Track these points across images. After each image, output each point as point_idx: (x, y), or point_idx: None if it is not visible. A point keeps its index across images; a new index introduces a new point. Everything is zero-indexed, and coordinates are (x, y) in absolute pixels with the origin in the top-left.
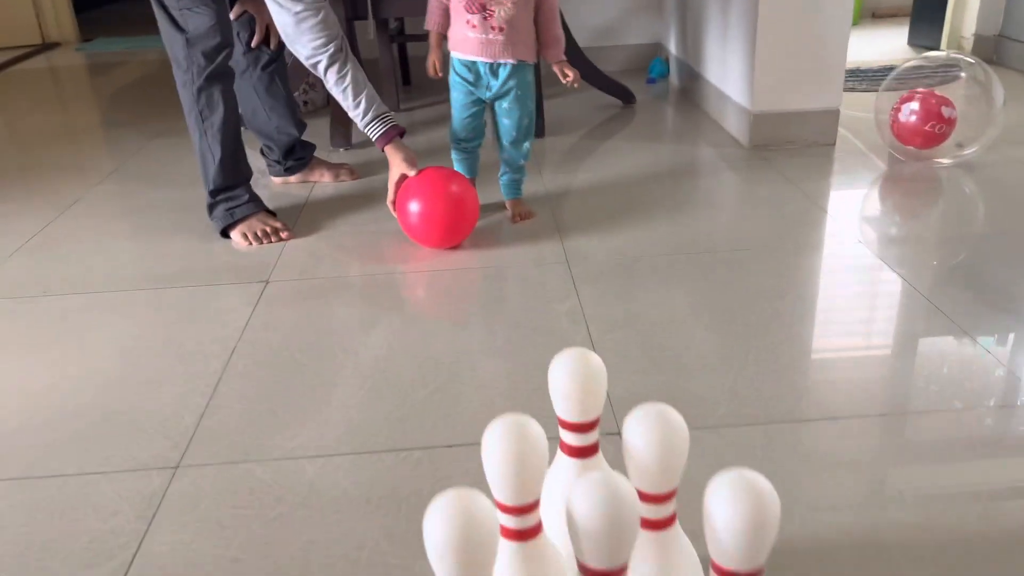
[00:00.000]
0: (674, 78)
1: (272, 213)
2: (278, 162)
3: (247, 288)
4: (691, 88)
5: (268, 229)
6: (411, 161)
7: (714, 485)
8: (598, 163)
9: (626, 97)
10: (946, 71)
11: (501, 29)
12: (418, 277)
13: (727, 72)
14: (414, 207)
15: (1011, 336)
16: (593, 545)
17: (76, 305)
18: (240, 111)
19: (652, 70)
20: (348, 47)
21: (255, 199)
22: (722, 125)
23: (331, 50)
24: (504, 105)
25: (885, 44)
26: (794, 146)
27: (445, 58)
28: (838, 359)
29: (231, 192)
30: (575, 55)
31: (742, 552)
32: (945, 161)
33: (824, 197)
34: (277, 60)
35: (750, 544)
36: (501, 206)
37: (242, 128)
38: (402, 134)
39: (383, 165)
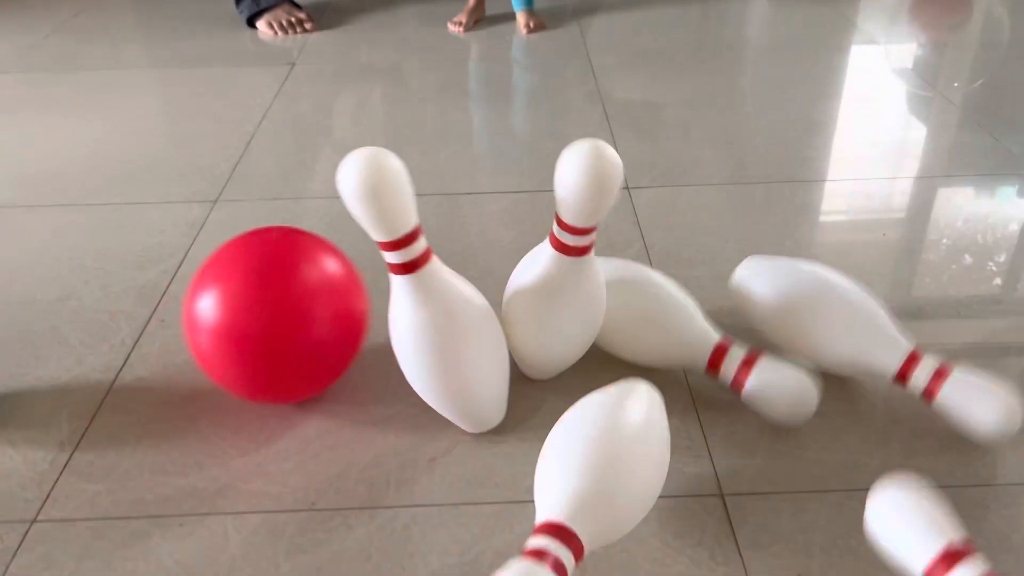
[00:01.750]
0: None
1: (297, 5)
2: None
3: (274, 69)
4: None
5: (293, 20)
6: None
7: (566, 152)
8: None
9: None
10: None
11: None
12: (437, 61)
13: None
14: (203, 326)
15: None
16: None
17: (112, 79)
18: None
19: None
20: None
21: None
22: None
23: None
24: None
25: None
26: None
27: None
28: (837, 132)
29: None
30: None
31: (583, 206)
32: None
33: (848, 20)
34: None
35: (591, 200)
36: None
37: None
38: None
39: None
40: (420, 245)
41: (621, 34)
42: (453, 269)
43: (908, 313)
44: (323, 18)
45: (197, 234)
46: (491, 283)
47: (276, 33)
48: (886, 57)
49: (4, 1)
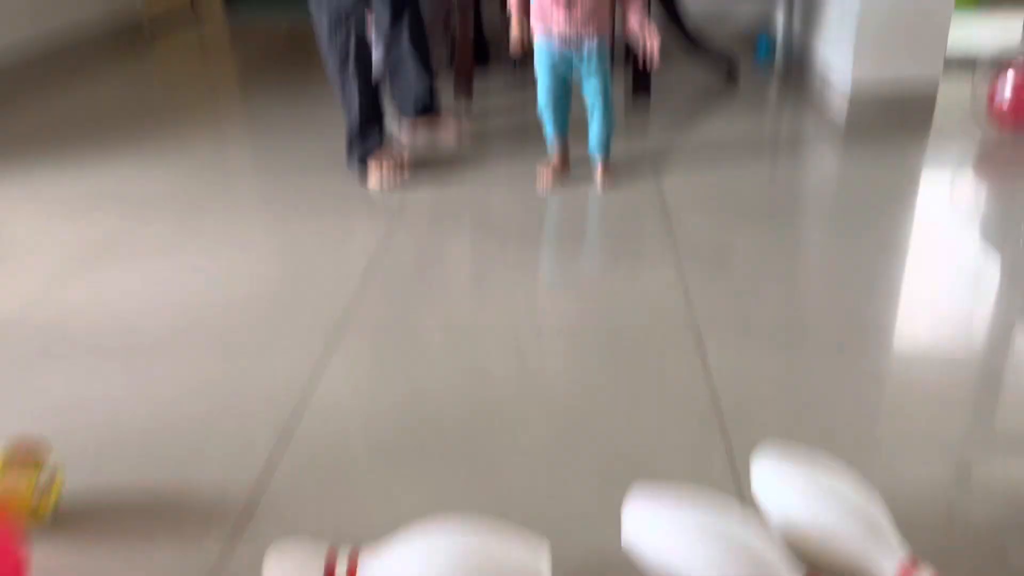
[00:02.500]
0: (780, 55)
1: (400, 153)
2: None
3: (376, 220)
4: (797, 64)
5: (395, 162)
6: None
7: None
8: (696, 134)
9: (731, 69)
10: None
11: (580, 11)
12: (525, 218)
13: (829, 42)
14: None
15: None
16: None
17: (234, 223)
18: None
19: (759, 49)
20: None
21: (385, 138)
22: (822, 99)
23: None
24: (586, 77)
25: (998, 33)
26: (890, 121)
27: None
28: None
29: (368, 129)
30: (675, 18)
31: None
32: None
33: (915, 175)
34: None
35: None
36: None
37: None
38: None
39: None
40: None
41: (697, 187)
42: None
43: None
44: (421, 169)
45: (321, 373)
46: None
47: (383, 175)
48: (952, 210)
49: (145, 140)
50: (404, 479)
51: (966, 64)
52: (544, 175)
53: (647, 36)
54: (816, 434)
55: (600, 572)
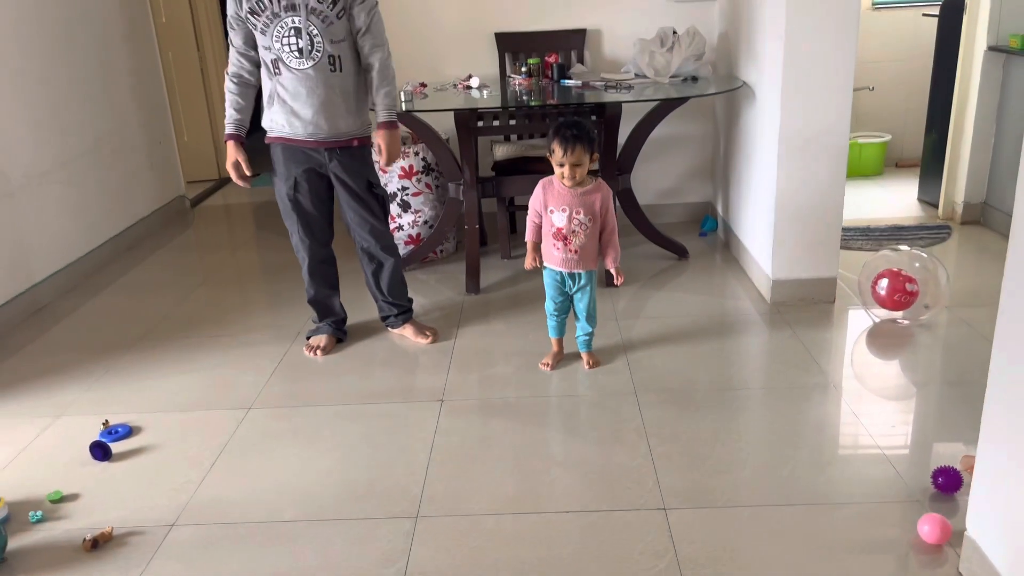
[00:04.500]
0: (721, 232)
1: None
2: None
3: (431, 404)
4: (732, 244)
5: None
6: (394, 148)
7: None
8: (656, 309)
9: (680, 252)
10: (934, 233)
11: (576, 251)
12: (539, 403)
13: (755, 239)
14: None
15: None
16: None
17: (325, 413)
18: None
19: (704, 224)
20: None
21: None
22: (751, 281)
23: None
24: (578, 296)
25: (899, 198)
26: (803, 303)
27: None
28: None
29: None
30: (639, 217)
31: None
32: (906, 321)
33: (817, 347)
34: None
35: None
36: (578, 356)
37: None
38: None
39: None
40: None
41: (660, 369)
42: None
43: None
44: (460, 358)
45: (410, 548)
46: None
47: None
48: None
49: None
50: None
51: (866, 234)
52: (546, 361)
53: (616, 273)
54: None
55: None
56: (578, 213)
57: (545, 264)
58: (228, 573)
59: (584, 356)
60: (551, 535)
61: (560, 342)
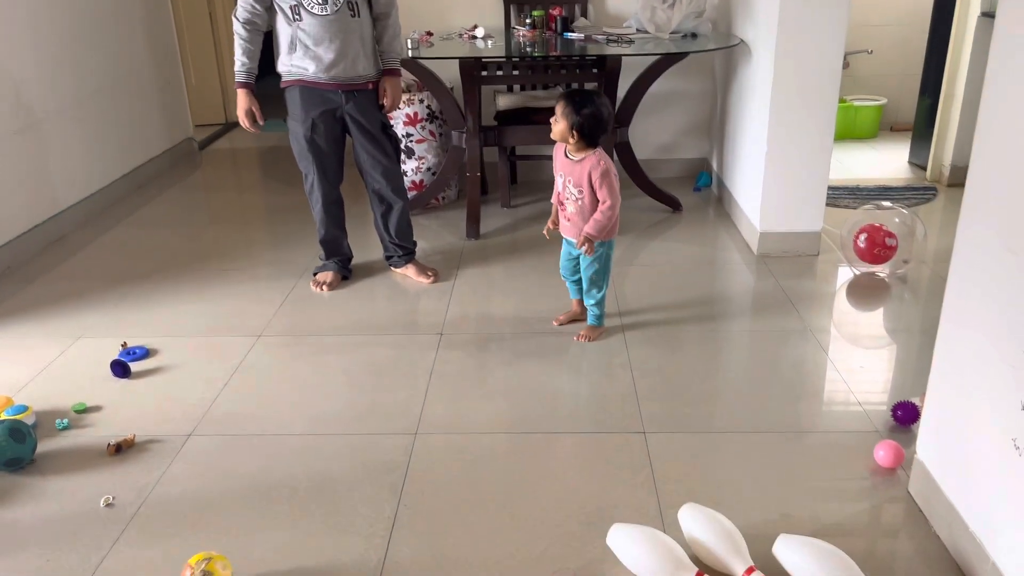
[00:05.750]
0: (715, 188)
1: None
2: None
3: (430, 336)
4: (724, 199)
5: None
6: (399, 95)
7: None
8: (648, 258)
9: (674, 205)
10: (920, 194)
11: (568, 219)
12: (533, 339)
13: (745, 193)
14: None
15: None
16: None
17: (331, 342)
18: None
19: (699, 180)
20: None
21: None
22: (740, 233)
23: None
24: (581, 262)
25: (890, 160)
26: (788, 255)
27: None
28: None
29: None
30: (636, 170)
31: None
32: (885, 274)
33: (798, 296)
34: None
35: None
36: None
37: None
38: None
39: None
40: None
41: (648, 311)
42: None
43: None
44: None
45: (409, 461)
46: None
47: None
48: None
49: (233, 274)
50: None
51: (855, 193)
52: (560, 316)
53: (580, 243)
54: (714, 495)
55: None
56: (570, 181)
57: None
58: (243, 475)
59: (586, 329)
60: (539, 452)
61: (579, 302)
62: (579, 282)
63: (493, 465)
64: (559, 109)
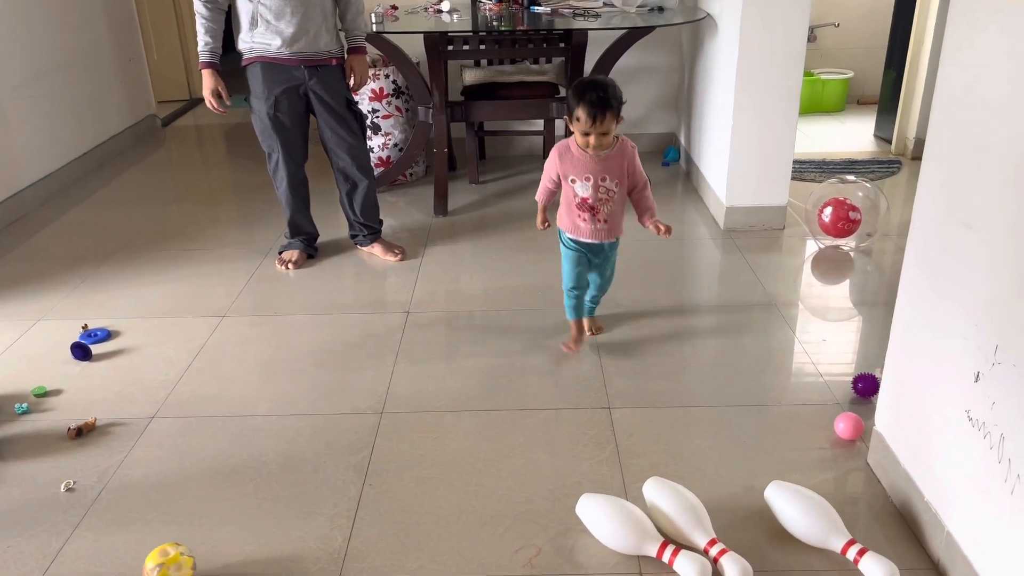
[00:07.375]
0: (682, 163)
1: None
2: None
3: (395, 315)
4: (692, 174)
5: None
6: (365, 72)
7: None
8: None
9: None
10: (885, 167)
11: (605, 220)
12: (500, 317)
13: (712, 167)
14: None
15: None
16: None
17: (297, 321)
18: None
19: (667, 155)
20: None
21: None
22: (707, 208)
23: None
24: (601, 267)
25: (856, 133)
26: (754, 230)
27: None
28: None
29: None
30: None
31: None
32: (849, 247)
33: (763, 270)
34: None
35: None
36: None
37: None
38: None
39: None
40: None
41: (614, 287)
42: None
43: None
44: (422, 268)
45: (374, 440)
46: None
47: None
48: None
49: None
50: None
51: (822, 167)
52: (569, 344)
53: (658, 229)
54: (678, 468)
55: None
56: (603, 180)
57: (569, 237)
58: (206, 457)
59: (587, 322)
60: (505, 429)
61: (580, 323)
62: (584, 295)
63: (459, 443)
64: (599, 116)
